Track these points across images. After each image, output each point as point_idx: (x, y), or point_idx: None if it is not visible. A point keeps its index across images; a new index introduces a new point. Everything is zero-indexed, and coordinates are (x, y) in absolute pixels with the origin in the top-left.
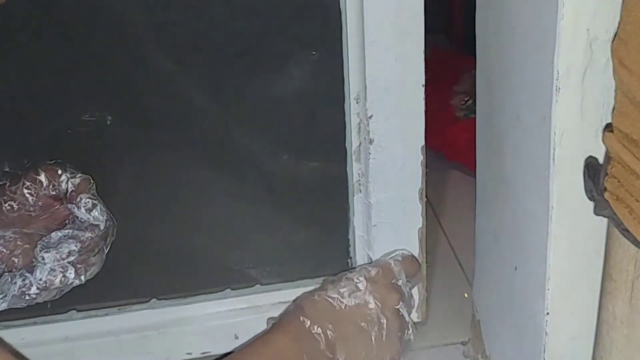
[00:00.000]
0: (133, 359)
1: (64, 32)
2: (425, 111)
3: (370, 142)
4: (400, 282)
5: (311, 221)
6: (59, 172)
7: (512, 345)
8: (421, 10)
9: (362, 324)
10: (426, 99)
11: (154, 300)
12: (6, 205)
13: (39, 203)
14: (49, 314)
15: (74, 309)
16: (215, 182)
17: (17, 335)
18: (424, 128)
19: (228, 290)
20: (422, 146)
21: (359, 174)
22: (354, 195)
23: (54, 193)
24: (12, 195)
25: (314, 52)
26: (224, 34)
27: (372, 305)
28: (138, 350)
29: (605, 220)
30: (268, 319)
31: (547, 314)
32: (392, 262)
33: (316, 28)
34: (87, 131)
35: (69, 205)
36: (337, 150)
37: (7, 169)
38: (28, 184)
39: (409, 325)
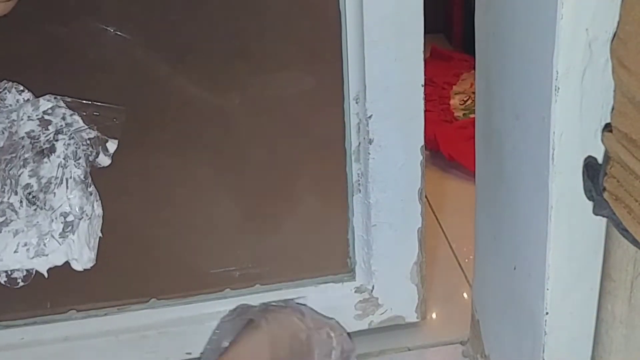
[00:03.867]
0: (132, 359)
1: (61, 31)
2: (425, 111)
3: (370, 142)
4: None
5: (311, 221)
6: None
7: (512, 344)
8: (420, 11)
9: None
10: (425, 99)
11: (153, 300)
12: None
13: None
14: (49, 314)
15: (73, 309)
16: (215, 182)
17: (16, 335)
18: (423, 128)
19: (228, 290)
20: (422, 146)
21: (358, 174)
22: (353, 195)
23: None
24: None
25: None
26: (224, 33)
27: None
28: (137, 350)
29: (604, 220)
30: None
31: (547, 313)
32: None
33: (316, 28)
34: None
35: None
36: (336, 150)
37: None
38: None
39: None
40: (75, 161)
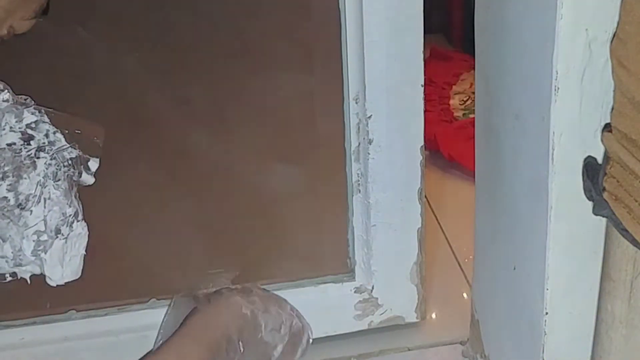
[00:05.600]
0: (132, 359)
1: (62, 29)
2: (425, 111)
3: (370, 142)
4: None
5: (311, 221)
6: None
7: (511, 345)
8: (420, 11)
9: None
10: (425, 99)
11: (153, 300)
12: None
13: None
14: (49, 314)
15: (73, 309)
16: (215, 182)
17: (16, 335)
18: (423, 128)
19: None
20: (421, 146)
21: (358, 174)
22: (353, 196)
23: None
24: None
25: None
26: (223, 34)
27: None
28: (137, 349)
29: (604, 220)
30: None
31: (546, 313)
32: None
33: (315, 29)
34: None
35: None
36: (336, 150)
37: None
38: None
39: None
40: (54, 182)
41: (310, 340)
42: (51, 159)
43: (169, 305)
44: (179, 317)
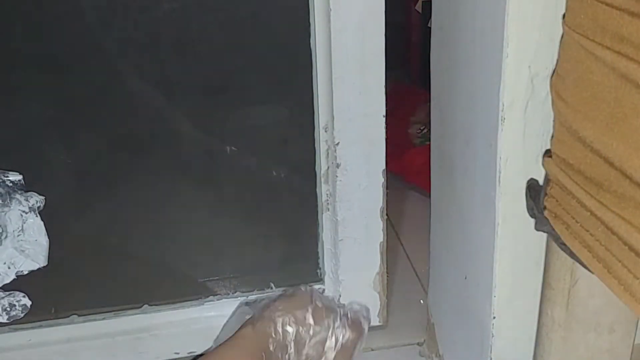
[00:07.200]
0: (127, 358)
1: (57, 69)
2: (386, 139)
3: (337, 166)
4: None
5: (286, 236)
6: None
7: (463, 345)
8: (382, 50)
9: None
10: (386, 127)
11: (145, 305)
12: None
13: None
14: (53, 318)
15: (75, 314)
16: (202, 203)
17: (24, 337)
18: (384, 154)
19: (211, 297)
20: (383, 170)
21: (327, 194)
22: (322, 213)
23: None
24: None
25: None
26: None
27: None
28: (132, 350)
29: (545, 235)
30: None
31: (494, 317)
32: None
33: (289, 66)
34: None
35: None
36: (308, 173)
37: None
38: None
39: None
40: None
41: (365, 331)
42: None
43: (234, 311)
44: (236, 325)
